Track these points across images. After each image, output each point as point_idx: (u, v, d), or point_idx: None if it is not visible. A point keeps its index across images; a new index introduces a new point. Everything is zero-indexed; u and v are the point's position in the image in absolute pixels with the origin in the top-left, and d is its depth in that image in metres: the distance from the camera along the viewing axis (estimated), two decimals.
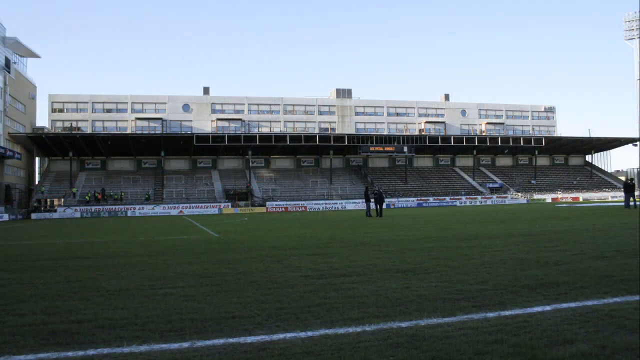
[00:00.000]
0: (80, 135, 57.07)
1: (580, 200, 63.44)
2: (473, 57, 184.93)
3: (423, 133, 73.54)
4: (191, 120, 70.04)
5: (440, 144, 67.02)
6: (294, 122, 73.80)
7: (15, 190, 55.81)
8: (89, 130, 65.44)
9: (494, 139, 68.55)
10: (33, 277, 7.75)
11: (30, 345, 4.05)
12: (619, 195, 59.59)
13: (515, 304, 5.02)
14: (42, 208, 53.57)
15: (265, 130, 71.31)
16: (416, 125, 77.73)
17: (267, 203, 57.76)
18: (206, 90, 72.89)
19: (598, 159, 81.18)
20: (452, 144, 67.13)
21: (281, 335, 4.14)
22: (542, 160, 79.79)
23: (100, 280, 7.24)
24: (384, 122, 76.93)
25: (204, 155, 66.65)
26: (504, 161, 78.91)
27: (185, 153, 65.05)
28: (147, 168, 66.31)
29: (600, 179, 75.71)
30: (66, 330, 4.46)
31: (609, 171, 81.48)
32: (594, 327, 4.12)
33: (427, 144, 65.95)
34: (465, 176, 72.76)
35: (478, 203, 62.40)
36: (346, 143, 62.98)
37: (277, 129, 72.01)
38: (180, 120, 69.91)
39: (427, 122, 77.79)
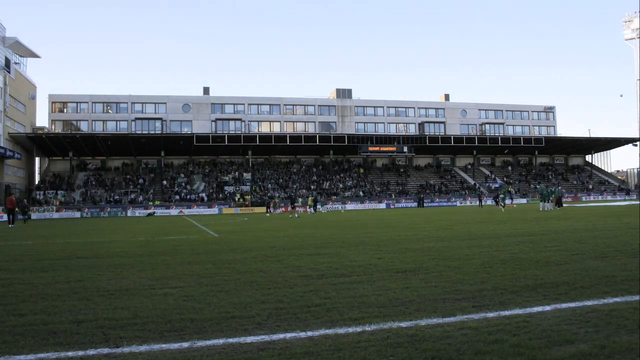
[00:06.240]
0: (80, 135, 57.02)
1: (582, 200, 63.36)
2: (473, 57, 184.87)
3: (423, 133, 73.50)
4: (191, 120, 69.99)
5: (440, 144, 66.94)
6: (293, 122, 73.77)
7: (15, 190, 55.78)
8: (88, 130, 65.39)
9: (493, 139, 68.47)
10: (33, 277, 7.75)
11: (30, 345, 4.05)
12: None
13: (515, 304, 5.02)
14: (42, 208, 53.44)
15: (265, 130, 71.30)
16: (416, 125, 77.71)
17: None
18: (206, 90, 72.83)
19: (598, 159, 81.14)
20: (452, 144, 67.07)
21: (281, 335, 4.14)
22: (542, 160, 79.77)
23: (100, 280, 7.24)
24: (383, 122, 76.89)
25: (204, 155, 66.61)
26: (504, 161, 78.87)
27: (185, 153, 65.00)
28: (147, 168, 66.24)
29: (600, 179, 75.69)
30: (66, 330, 4.46)
31: (609, 171, 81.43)
32: (594, 327, 4.11)
33: (427, 144, 65.90)
34: (465, 176, 72.74)
35: (478, 203, 62.27)
36: (346, 143, 62.95)
37: (277, 128, 71.98)
38: (180, 120, 69.84)
39: (427, 122, 77.76)
